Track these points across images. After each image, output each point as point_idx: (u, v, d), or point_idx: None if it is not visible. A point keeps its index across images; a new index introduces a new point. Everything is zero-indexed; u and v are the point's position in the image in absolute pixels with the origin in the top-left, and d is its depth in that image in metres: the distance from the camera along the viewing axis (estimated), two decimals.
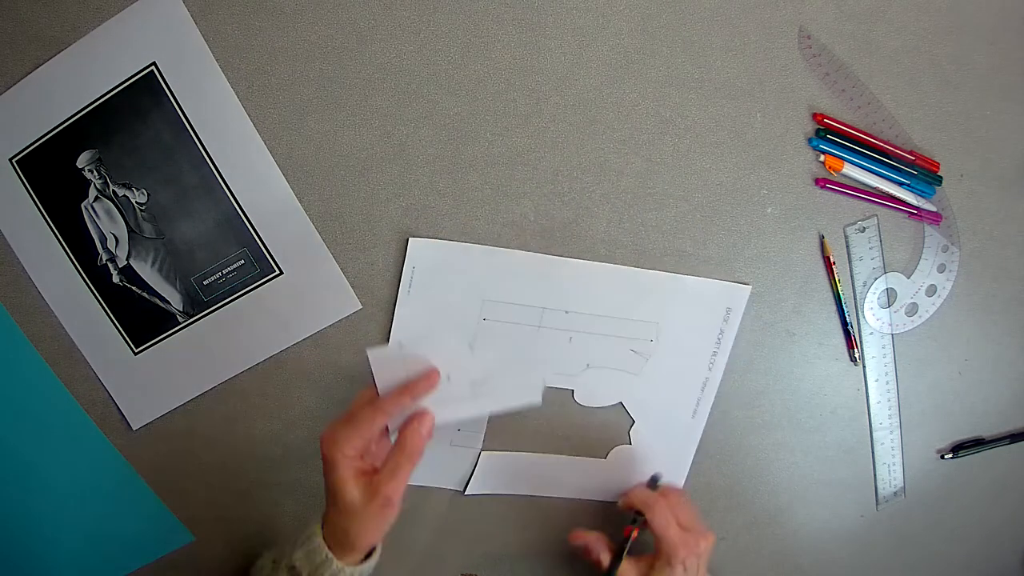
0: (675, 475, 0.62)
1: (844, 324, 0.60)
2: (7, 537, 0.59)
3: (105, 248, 0.55)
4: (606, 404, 0.60)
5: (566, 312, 0.58)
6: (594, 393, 0.60)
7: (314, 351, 0.58)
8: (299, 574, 0.46)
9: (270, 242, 0.55)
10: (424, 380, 0.48)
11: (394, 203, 0.56)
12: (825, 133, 0.57)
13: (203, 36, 0.52)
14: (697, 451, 0.62)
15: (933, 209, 0.59)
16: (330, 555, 0.45)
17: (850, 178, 0.58)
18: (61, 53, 0.52)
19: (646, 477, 0.60)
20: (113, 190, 0.54)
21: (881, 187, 0.58)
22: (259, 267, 0.56)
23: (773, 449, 0.63)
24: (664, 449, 0.62)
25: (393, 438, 0.48)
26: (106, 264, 0.55)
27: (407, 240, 0.55)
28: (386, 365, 0.49)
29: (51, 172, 0.54)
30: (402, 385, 0.48)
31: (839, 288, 0.60)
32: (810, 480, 0.64)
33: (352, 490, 0.44)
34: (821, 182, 0.58)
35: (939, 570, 0.68)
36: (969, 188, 0.60)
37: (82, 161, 0.53)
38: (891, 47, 0.57)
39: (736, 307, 0.59)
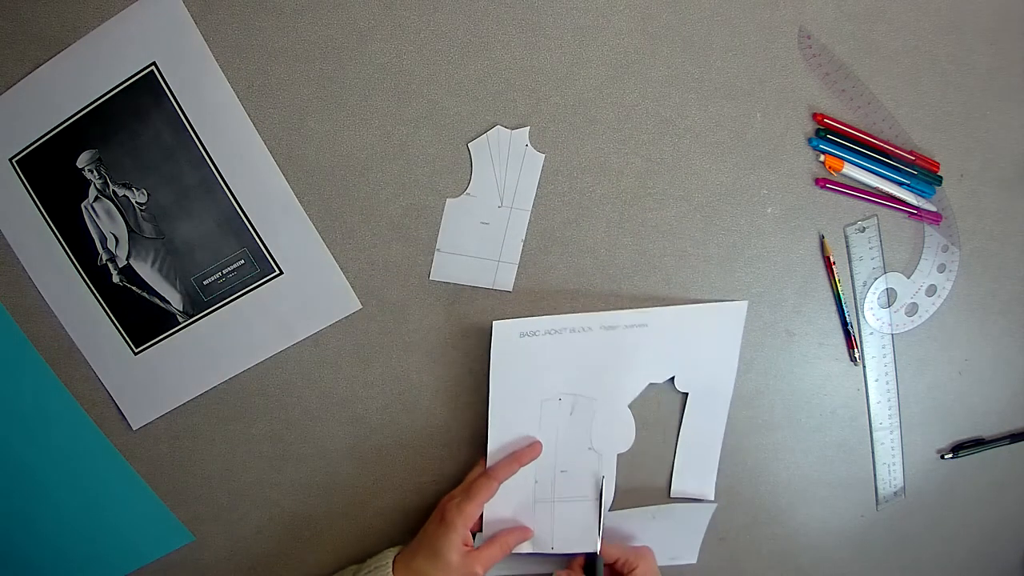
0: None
1: (844, 324, 0.60)
2: (7, 537, 0.59)
3: (105, 248, 0.55)
4: None
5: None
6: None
7: (314, 351, 0.58)
8: None
9: (270, 242, 0.55)
10: (529, 450, 0.57)
11: (394, 203, 0.56)
12: (825, 133, 0.57)
13: (203, 36, 0.52)
14: None
15: (933, 209, 0.59)
16: None
17: (850, 178, 0.58)
18: (61, 53, 0.52)
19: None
20: (113, 190, 0.54)
21: (881, 187, 0.58)
22: (259, 267, 0.56)
23: (773, 449, 0.63)
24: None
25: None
26: (106, 264, 0.55)
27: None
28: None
29: (51, 172, 0.54)
30: (510, 455, 0.57)
31: (839, 288, 0.60)
32: (810, 480, 0.64)
33: (455, 556, 0.53)
34: (821, 182, 0.58)
35: (939, 570, 0.68)
36: (969, 188, 0.60)
37: (82, 161, 0.53)
38: (891, 47, 0.57)
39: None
